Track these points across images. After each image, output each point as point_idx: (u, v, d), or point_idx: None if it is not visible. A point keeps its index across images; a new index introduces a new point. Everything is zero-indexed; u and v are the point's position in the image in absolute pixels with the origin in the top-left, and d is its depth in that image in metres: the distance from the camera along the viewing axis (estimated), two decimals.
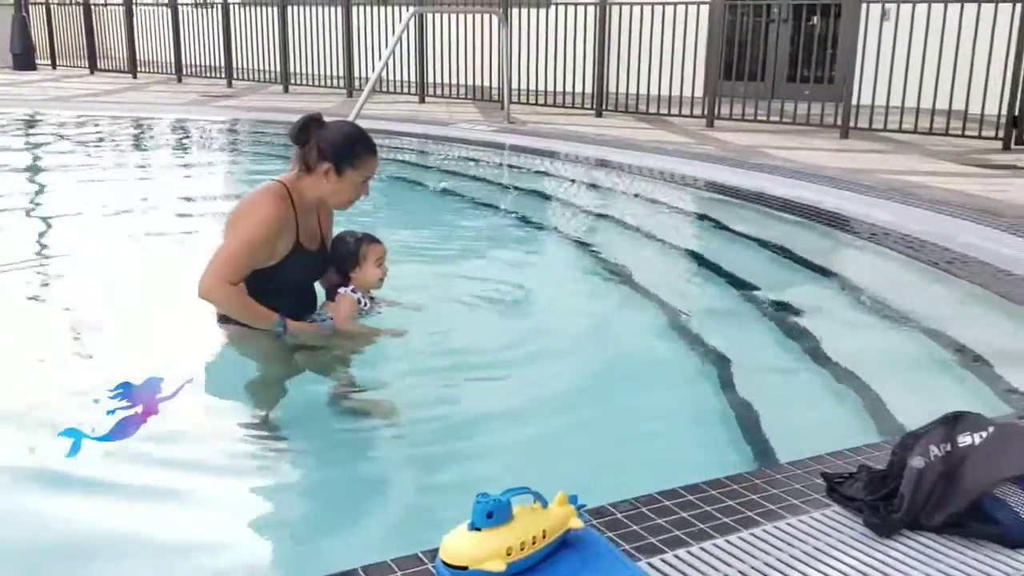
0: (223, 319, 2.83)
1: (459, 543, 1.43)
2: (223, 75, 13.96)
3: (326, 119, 2.81)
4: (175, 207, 5.52)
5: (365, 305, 2.97)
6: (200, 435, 2.46)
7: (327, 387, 2.76)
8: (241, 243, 2.68)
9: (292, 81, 13.24)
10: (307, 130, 2.75)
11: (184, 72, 14.67)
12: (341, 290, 2.94)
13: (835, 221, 4.90)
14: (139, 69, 15.48)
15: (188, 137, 9.02)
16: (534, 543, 1.47)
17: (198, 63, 14.58)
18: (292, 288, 2.85)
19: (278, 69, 13.33)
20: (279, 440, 2.48)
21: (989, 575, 1.58)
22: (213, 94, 12.53)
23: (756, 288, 3.85)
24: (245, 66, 13.92)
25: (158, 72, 15.29)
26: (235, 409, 2.67)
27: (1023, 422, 2.16)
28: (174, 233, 4.77)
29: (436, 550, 1.48)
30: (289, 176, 2.82)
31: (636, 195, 6.06)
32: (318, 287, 3.08)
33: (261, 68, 13.76)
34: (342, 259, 2.94)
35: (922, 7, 8.28)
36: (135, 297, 3.55)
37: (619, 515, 1.74)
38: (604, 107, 10.43)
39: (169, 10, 14.68)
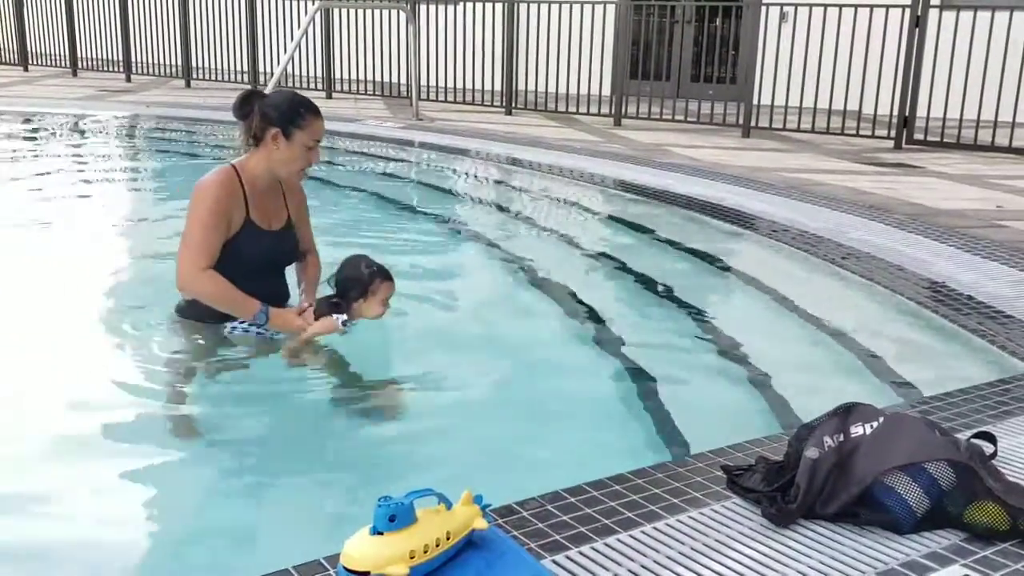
0: (181, 310, 2.84)
1: (360, 548, 1.41)
2: (121, 69, 13.48)
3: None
4: (74, 208, 5.33)
5: (342, 328, 2.85)
6: (124, 431, 2.43)
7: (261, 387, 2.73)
8: (195, 229, 2.70)
9: (194, 75, 12.89)
10: (249, 101, 2.77)
11: (80, 65, 14.12)
12: (334, 316, 2.81)
13: (736, 218, 5.02)
14: (31, 61, 14.84)
15: (85, 134, 8.68)
16: (438, 546, 1.45)
17: (94, 56, 14.05)
18: (245, 267, 2.76)
19: (179, 63, 12.95)
20: (205, 439, 2.45)
21: (881, 560, 1.63)
22: (111, 88, 12.10)
23: (660, 284, 3.92)
24: (145, 60, 13.48)
25: (51, 65, 14.68)
26: (158, 404, 2.60)
27: (912, 412, 2.24)
28: (77, 233, 4.61)
29: (338, 555, 1.45)
30: (240, 158, 2.84)
31: (545, 193, 6.10)
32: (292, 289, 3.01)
33: (162, 62, 13.35)
34: (350, 283, 2.82)
35: (818, 10, 8.56)
36: (46, 299, 3.43)
37: (525, 513, 1.74)
38: (513, 105, 10.47)
39: None
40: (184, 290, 2.74)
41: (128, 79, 13.28)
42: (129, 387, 2.65)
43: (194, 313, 2.83)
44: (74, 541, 1.92)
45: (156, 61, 13.40)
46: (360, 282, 2.80)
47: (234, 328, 2.81)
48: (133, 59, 13.43)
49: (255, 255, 2.80)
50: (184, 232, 2.73)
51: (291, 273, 3.07)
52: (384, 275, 2.83)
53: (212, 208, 2.70)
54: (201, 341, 2.85)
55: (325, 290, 2.94)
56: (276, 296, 2.93)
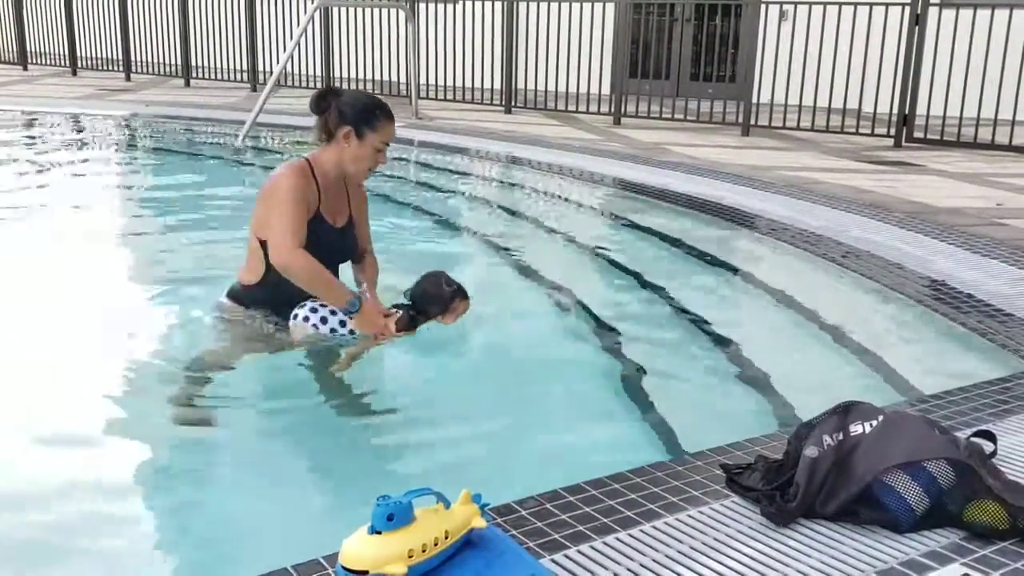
0: (234, 294, 2.87)
1: (359, 547, 1.40)
2: (121, 68, 13.47)
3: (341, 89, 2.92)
4: (71, 206, 5.32)
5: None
6: (124, 428, 2.44)
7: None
8: (285, 209, 2.71)
9: (194, 75, 12.88)
10: (326, 98, 2.83)
11: (79, 64, 14.11)
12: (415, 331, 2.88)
13: (736, 217, 5.01)
14: (30, 61, 14.83)
15: (84, 133, 8.68)
16: (436, 545, 1.45)
17: (94, 55, 14.05)
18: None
19: (179, 62, 12.94)
20: (206, 436, 2.45)
21: (880, 559, 1.62)
22: (110, 87, 12.09)
23: (659, 283, 3.91)
24: (144, 59, 13.47)
25: (51, 64, 14.67)
26: (162, 399, 2.60)
27: (912, 411, 2.24)
28: (77, 232, 4.62)
29: (336, 554, 1.45)
30: (313, 152, 2.89)
31: (544, 192, 6.09)
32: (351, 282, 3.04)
33: (161, 61, 13.34)
34: (430, 299, 2.87)
35: (818, 8, 8.56)
36: (48, 297, 3.44)
37: (524, 512, 1.74)
38: (513, 103, 10.46)
39: None
40: (282, 264, 2.72)
41: (127, 78, 13.28)
42: (134, 383, 2.67)
43: (250, 298, 2.85)
44: (72, 538, 1.93)
45: (155, 60, 13.39)
46: (441, 299, 2.86)
47: (306, 319, 2.79)
48: (132, 58, 13.42)
49: (321, 248, 2.81)
50: (273, 215, 2.73)
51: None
52: (463, 294, 2.90)
53: (295, 192, 2.73)
54: (222, 335, 2.87)
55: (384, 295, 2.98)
56: None
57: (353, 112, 2.79)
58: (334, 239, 2.89)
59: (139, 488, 2.18)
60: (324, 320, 2.77)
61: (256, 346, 2.82)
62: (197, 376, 2.70)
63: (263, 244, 2.77)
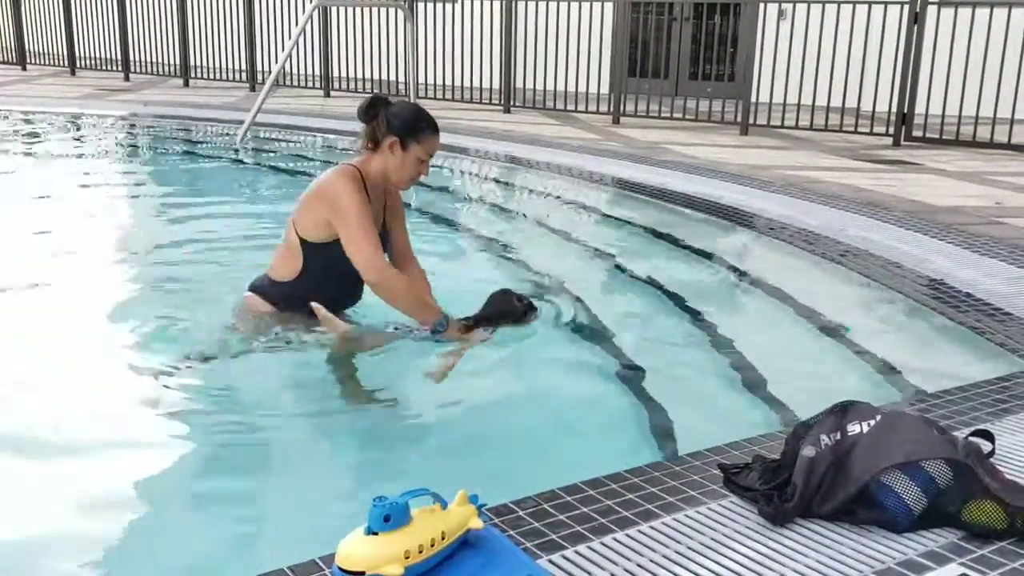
0: (261, 289, 2.91)
1: (355, 548, 1.40)
2: (120, 67, 13.46)
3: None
4: (69, 207, 5.32)
5: None
6: (121, 425, 2.45)
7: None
8: (361, 225, 2.76)
9: (192, 74, 12.88)
10: (375, 106, 2.87)
11: (78, 64, 14.11)
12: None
13: (735, 216, 5.01)
14: (28, 60, 14.82)
15: (82, 133, 8.67)
16: (433, 545, 1.45)
17: (93, 55, 14.04)
18: (344, 271, 2.82)
19: (178, 62, 12.94)
20: (202, 435, 2.45)
21: (878, 559, 1.62)
22: (109, 87, 12.08)
23: (657, 282, 3.91)
24: (143, 59, 13.46)
25: (49, 64, 14.66)
26: (162, 396, 2.60)
27: (910, 410, 2.23)
28: (79, 232, 4.61)
29: (333, 555, 1.45)
30: (359, 159, 2.91)
31: (543, 191, 6.09)
32: None
33: (160, 61, 13.34)
34: (505, 316, 3.04)
35: (817, 7, 8.56)
36: (50, 298, 3.44)
37: (521, 513, 1.73)
38: (512, 103, 10.46)
39: None
40: (377, 281, 2.77)
41: (126, 78, 13.27)
42: (135, 383, 2.66)
43: (279, 293, 2.88)
44: (68, 539, 1.92)
45: (154, 60, 13.39)
46: (514, 315, 3.06)
47: (411, 333, 2.88)
48: (131, 58, 13.41)
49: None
50: (347, 230, 2.76)
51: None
52: (533, 307, 3.12)
53: (363, 204, 2.78)
54: (232, 331, 2.89)
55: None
56: (353, 298, 3.02)
57: (400, 122, 2.83)
58: None
59: (136, 488, 2.17)
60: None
61: (239, 351, 2.82)
62: (196, 375, 2.70)
63: (305, 243, 2.82)
